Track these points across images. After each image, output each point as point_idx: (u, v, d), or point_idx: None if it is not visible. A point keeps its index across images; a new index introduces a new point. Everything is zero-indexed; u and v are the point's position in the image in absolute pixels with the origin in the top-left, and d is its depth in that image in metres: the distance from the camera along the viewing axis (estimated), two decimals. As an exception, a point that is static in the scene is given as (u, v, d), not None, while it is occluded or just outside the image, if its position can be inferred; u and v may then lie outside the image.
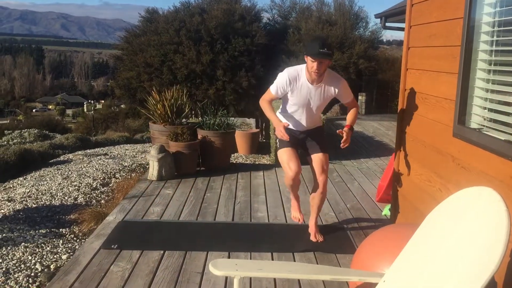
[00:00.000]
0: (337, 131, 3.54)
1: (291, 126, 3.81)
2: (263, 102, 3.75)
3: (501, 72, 2.35)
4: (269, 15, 18.55)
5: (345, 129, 3.54)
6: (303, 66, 3.57)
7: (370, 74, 17.17)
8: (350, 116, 3.77)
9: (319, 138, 3.91)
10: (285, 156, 3.77)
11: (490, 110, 2.43)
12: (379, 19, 10.63)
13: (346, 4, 18.31)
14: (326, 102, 3.74)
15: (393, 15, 9.75)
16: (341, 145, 3.52)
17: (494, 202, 1.72)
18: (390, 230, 2.78)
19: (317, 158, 3.84)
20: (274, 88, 3.67)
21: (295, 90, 3.61)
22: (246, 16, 14.97)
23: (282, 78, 3.61)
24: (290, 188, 3.94)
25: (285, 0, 18.88)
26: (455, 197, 2.00)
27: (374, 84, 16.79)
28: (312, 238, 3.93)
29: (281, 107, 3.89)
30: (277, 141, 3.88)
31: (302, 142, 3.93)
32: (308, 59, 3.43)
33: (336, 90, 3.63)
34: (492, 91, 2.42)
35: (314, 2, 19.21)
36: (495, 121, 2.36)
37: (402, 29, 8.89)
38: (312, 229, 3.99)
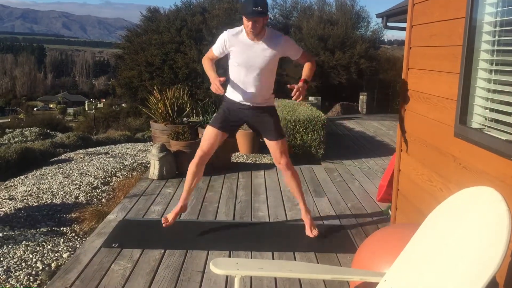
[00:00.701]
0: (288, 85, 3.47)
1: (238, 99, 3.74)
2: (204, 60, 3.74)
3: (502, 72, 2.35)
4: (271, 14, 18.56)
5: (299, 83, 3.48)
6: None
7: (371, 74, 17.19)
8: (305, 70, 3.70)
9: (271, 123, 3.79)
10: (207, 134, 3.77)
11: (492, 110, 2.43)
12: (380, 19, 10.62)
13: (348, 3, 18.33)
14: (272, 64, 3.65)
15: (395, 14, 9.75)
16: (293, 97, 3.45)
17: (495, 202, 1.72)
18: (391, 230, 2.78)
19: (273, 146, 3.79)
20: (215, 46, 3.68)
21: (236, 47, 3.59)
22: (248, 15, 14.98)
23: (222, 35, 3.63)
24: (189, 172, 3.84)
25: (287, 0, 18.89)
26: (456, 197, 2.00)
27: (375, 84, 16.79)
28: (307, 232, 3.93)
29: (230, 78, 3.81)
30: (213, 115, 3.85)
31: (251, 122, 3.86)
32: (244, 18, 3.45)
33: (279, 46, 3.59)
34: (494, 91, 2.42)
35: (316, 1, 19.24)
36: (497, 121, 2.35)
37: (403, 28, 8.89)
38: (306, 223, 3.98)
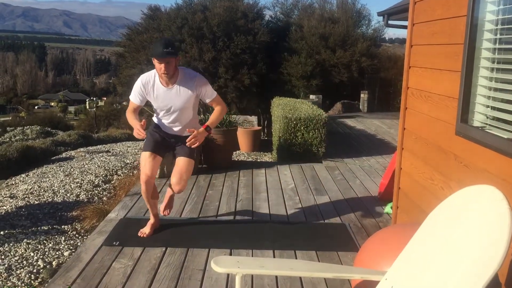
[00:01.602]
0: (187, 129, 3.57)
1: (164, 130, 3.80)
2: (128, 113, 3.72)
3: (504, 70, 2.35)
4: (272, 12, 18.55)
5: (200, 129, 3.55)
6: (155, 71, 3.58)
7: (372, 72, 17.14)
8: (212, 115, 3.75)
9: (187, 146, 3.72)
10: (143, 158, 3.76)
11: (493, 108, 2.42)
12: (381, 17, 10.60)
13: (349, 1, 18.29)
14: (190, 103, 3.67)
15: (396, 13, 9.73)
16: (187, 142, 3.52)
17: (497, 200, 1.72)
18: (393, 230, 2.78)
19: (179, 161, 3.77)
20: (133, 96, 3.68)
21: (151, 94, 3.61)
22: (249, 14, 14.97)
23: (136, 85, 3.65)
24: (143, 194, 3.79)
25: (288, -2, 18.87)
26: (457, 195, 2.00)
27: (376, 82, 16.76)
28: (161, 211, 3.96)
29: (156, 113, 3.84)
30: (144, 141, 3.85)
31: (172, 147, 3.87)
32: (155, 61, 3.44)
33: (193, 88, 3.60)
34: (495, 89, 2.41)
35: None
36: (498, 119, 2.35)
37: (404, 27, 8.87)
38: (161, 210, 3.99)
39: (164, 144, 3.84)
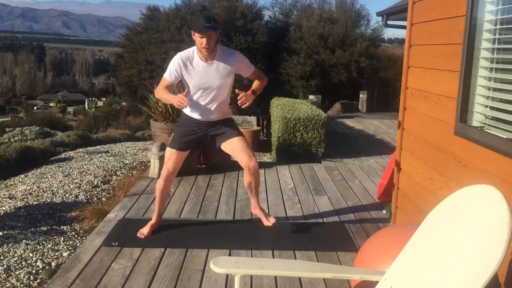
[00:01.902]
0: (236, 90, 3.49)
1: (198, 117, 3.72)
2: (158, 91, 3.63)
3: (503, 70, 2.35)
4: (271, 13, 18.56)
5: (248, 92, 3.52)
6: (194, 47, 3.57)
7: (371, 72, 17.17)
8: (255, 83, 3.72)
9: (230, 126, 3.78)
10: (169, 156, 3.75)
11: (492, 108, 2.43)
12: (380, 17, 10.60)
13: (348, 2, 18.31)
14: (228, 81, 3.66)
15: (395, 13, 9.73)
16: (238, 101, 3.48)
17: (496, 200, 1.72)
18: (392, 230, 2.78)
19: (236, 143, 3.73)
20: (168, 73, 3.62)
21: (191, 71, 3.57)
22: (248, 14, 14.97)
23: (174, 61, 3.60)
24: (157, 191, 3.80)
25: (287, -2, 18.89)
26: (457, 195, 2.00)
27: (376, 82, 16.78)
28: (265, 222, 3.95)
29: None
30: (172, 135, 3.82)
31: (210, 138, 3.82)
32: (196, 35, 3.43)
33: (232, 63, 3.60)
34: (494, 89, 2.41)
35: (316, 0, 19.18)
36: (497, 119, 2.35)
37: (403, 27, 8.87)
38: (260, 213, 4.00)
39: (195, 138, 3.79)
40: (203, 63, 3.57)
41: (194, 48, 3.59)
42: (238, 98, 3.49)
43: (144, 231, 3.84)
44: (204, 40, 3.40)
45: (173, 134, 3.78)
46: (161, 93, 3.62)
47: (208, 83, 3.60)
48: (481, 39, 2.49)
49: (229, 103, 3.88)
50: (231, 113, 3.93)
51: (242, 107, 3.53)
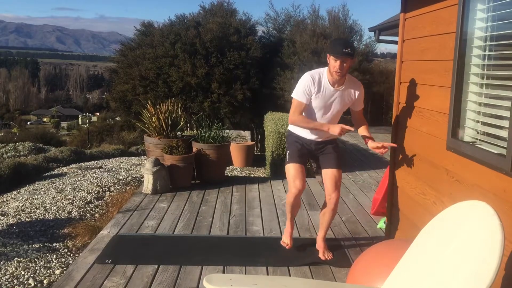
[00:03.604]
0: (376, 150, 3.53)
1: (306, 136, 3.73)
2: (297, 118, 3.59)
3: (493, 86, 2.37)
4: (264, 28, 18.66)
5: (378, 144, 3.50)
6: (324, 68, 3.54)
7: (364, 87, 17.26)
8: (364, 129, 3.78)
9: (333, 153, 3.79)
10: (292, 171, 3.70)
11: (483, 123, 2.45)
12: (373, 33, 10.70)
13: (341, 17, 18.46)
14: (344, 108, 3.68)
15: (387, 28, 9.82)
16: (382, 151, 3.49)
17: (488, 216, 1.73)
18: (385, 246, 2.77)
19: (330, 173, 3.72)
20: (300, 94, 3.53)
21: (318, 92, 3.53)
22: (241, 30, 15.06)
23: (305, 80, 3.53)
24: (289, 206, 3.83)
25: (280, 14, 19.05)
26: (449, 211, 2.00)
27: (369, 97, 16.88)
28: (321, 255, 3.81)
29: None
30: (287, 153, 3.80)
31: (314, 154, 3.84)
32: (331, 58, 3.40)
33: (357, 93, 3.62)
34: (485, 105, 2.44)
35: (309, 15, 19.36)
36: (488, 134, 2.37)
37: (396, 42, 8.94)
38: (320, 246, 3.89)
39: (305, 153, 3.80)
40: (331, 87, 3.53)
41: (324, 69, 3.55)
42: (382, 147, 3.46)
43: (287, 241, 3.99)
44: (337, 64, 3.36)
45: (287, 153, 3.79)
46: (302, 120, 3.59)
47: (329, 107, 3.59)
48: (471, 55, 2.52)
49: None
50: (336, 137, 3.89)
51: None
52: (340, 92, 3.55)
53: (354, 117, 3.83)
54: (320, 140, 3.74)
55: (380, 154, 3.47)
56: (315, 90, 3.51)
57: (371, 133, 3.78)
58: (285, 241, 4.03)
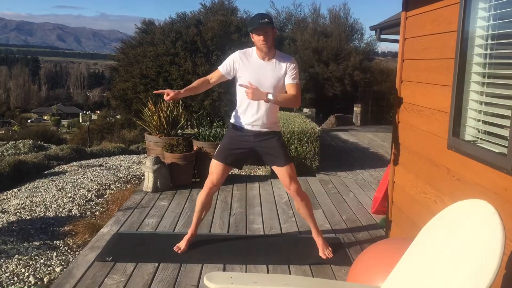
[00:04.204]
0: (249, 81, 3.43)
1: (245, 123, 3.63)
2: (200, 79, 3.68)
3: (494, 85, 2.37)
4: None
5: (265, 91, 3.39)
6: (254, 47, 3.57)
7: (365, 86, 17.28)
8: (284, 94, 3.54)
9: (278, 150, 3.67)
10: (213, 168, 3.73)
11: (484, 122, 2.44)
12: (374, 31, 10.69)
13: (342, 16, 18.49)
14: (280, 83, 3.53)
15: (388, 27, 9.81)
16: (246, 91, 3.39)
17: (489, 215, 1.72)
18: (385, 244, 2.77)
19: (283, 172, 3.66)
20: (222, 64, 3.62)
21: (246, 65, 3.55)
22: (242, 28, 15.06)
23: (232, 54, 3.62)
24: (198, 204, 3.82)
25: (281, 12, 19.08)
26: (450, 209, 2.00)
27: (369, 96, 16.88)
28: (321, 254, 3.78)
29: (236, 103, 3.72)
30: (218, 146, 3.81)
31: (256, 151, 3.72)
32: (254, 35, 3.45)
33: (288, 65, 3.52)
34: (486, 104, 2.43)
35: (310, 14, 19.40)
36: (489, 133, 2.37)
37: (397, 41, 8.93)
38: (318, 243, 3.86)
39: (240, 155, 3.73)
40: (260, 61, 3.55)
41: (254, 47, 3.58)
42: (247, 86, 3.38)
43: (181, 245, 3.85)
44: (261, 37, 3.40)
45: (219, 145, 3.74)
46: (195, 81, 3.67)
47: (263, 81, 3.50)
48: (472, 54, 2.52)
49: (277, 115, 3.81)
50: (279, 126, 3.83)
51: (247, 96, 3.38)
52: (271, 65, 3.54)
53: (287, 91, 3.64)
54: (258, 130, 3.63)
55: (248, 94, 3.37)
56: (241, 62, 3.56)
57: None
58: (180, 245, 3.86)
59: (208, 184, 3.74)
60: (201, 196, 3.81)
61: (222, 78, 3.68)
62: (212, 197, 3.88)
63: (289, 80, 3.54)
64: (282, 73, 3.54)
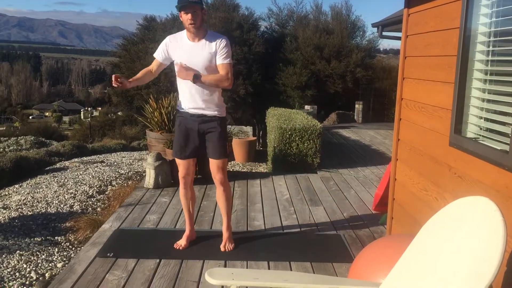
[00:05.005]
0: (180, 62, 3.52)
1: (188, 107, 3.62)
2: (144, 69, 3.72)
3: (496, 82, 2.36)
4: (267, 23, 18.64)
5: (192, 71, 3.46)
6: (185, 30, 3.57)
7: (367, 83, 17.25)
8: (213, 74, 3.53)
9: (217, 140, 3.65)
10: (177, 161, 3.80)
11: (486, 119, 2.44)
12: (376, 28, 10.68)
13: (343, 13, 18.44)
14: (211, 62, 3.50)
15: (390, 24, 9.80)
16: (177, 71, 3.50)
17: (491, 212, 1.72)
18: (387, 241, 2.77)
19: (215, 164, 3.71)
20: (156, 52, 3.66)
21: (176, 48, 3.56)
22: (244, 25, 15.05)
23: (163, 42, 3.65)
24: (182, 199, 3.89)
25: (283, 9, 19.04)
26: (451, 206, 2.00)
27: (371, 93, 16.86)
28: (221, 246, 3.83)
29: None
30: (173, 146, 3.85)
31: (201, 137, 3.67)
32: (182, 13, 3.43)
33: (218, 44, 3.48)
34: (488, 101, 2.43)
35: (312, 10, 19.35)
36: (491, 130, 2.36)
37: (398, 38, 8.93)
38: (224, 237, 3.88)
39: (190, 140, 3.69)
40: (190, 42, 3.54)
41: (185, 30, 3.57)
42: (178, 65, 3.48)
43: (181, 242, 3.87)
44: (189, 16, 3.38)
45: (173, 139, 3.76)
46: (141, 71, 3.70)
47: (195, 61, 3.50)
48: (475, 51, 2.51)
49: (223, 100, 3.77)
50: (224, 111, 3.77)
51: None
52: (201, 46, 3.51)
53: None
54: (197, 113, 3.61)
55: (180, 74, 3.48)
56: (172, 46, 3.58)
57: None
58: (180, 243, 3.88)
59: (180, 178, 3.80)
60: (180, 192, 3.87)
61: (161, 66, 3.73)
62: (190, 187, 3.87)
63: (219, 60, 3.52)
64: (213, 53, 3.51)
